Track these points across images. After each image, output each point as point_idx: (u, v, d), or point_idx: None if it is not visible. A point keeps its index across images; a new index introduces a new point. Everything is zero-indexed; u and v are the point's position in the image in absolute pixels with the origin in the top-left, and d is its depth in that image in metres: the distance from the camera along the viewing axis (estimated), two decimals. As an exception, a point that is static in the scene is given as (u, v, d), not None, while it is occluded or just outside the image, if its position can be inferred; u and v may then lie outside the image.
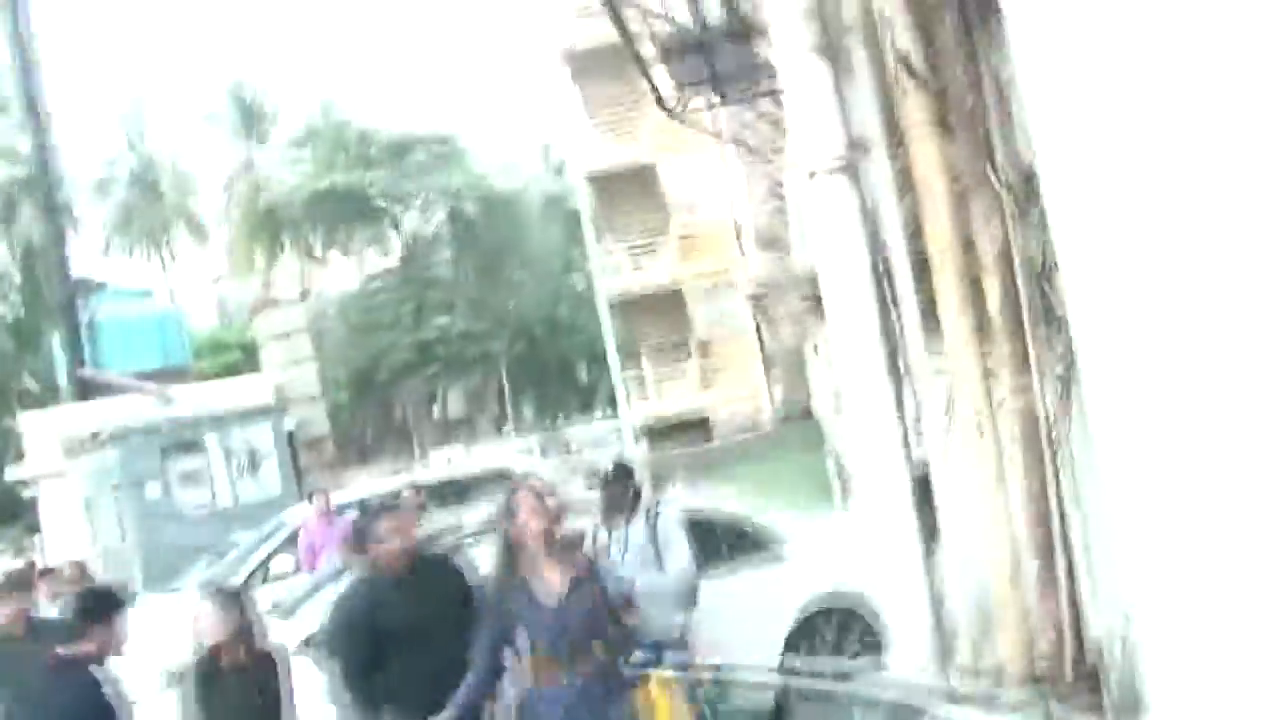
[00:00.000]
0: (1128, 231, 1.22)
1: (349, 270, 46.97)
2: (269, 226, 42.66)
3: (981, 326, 5.33)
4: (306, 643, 6.54)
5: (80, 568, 8.62)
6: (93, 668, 4.85)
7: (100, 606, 5.07)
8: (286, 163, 45.93)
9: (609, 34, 22.25)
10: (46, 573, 7.57)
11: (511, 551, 3.94)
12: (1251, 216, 1.25)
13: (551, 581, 3.96)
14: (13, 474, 25.14)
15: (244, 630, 5.14)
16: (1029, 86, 2.15)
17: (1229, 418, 1.10)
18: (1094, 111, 1.24)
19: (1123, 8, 1.45)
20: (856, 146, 5.66)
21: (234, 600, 5.34)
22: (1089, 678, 4.87)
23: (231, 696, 5.07)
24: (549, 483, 5.99)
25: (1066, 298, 1.16)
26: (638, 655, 4.39)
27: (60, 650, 4.93)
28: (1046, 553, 4.94)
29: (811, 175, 5.75)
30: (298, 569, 10.86)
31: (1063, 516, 4.93)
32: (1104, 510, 4.79)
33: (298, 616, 7.29)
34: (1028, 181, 5.01)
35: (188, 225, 49.63)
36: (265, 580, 11.19)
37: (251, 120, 46.32)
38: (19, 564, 25.70)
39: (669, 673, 4.25)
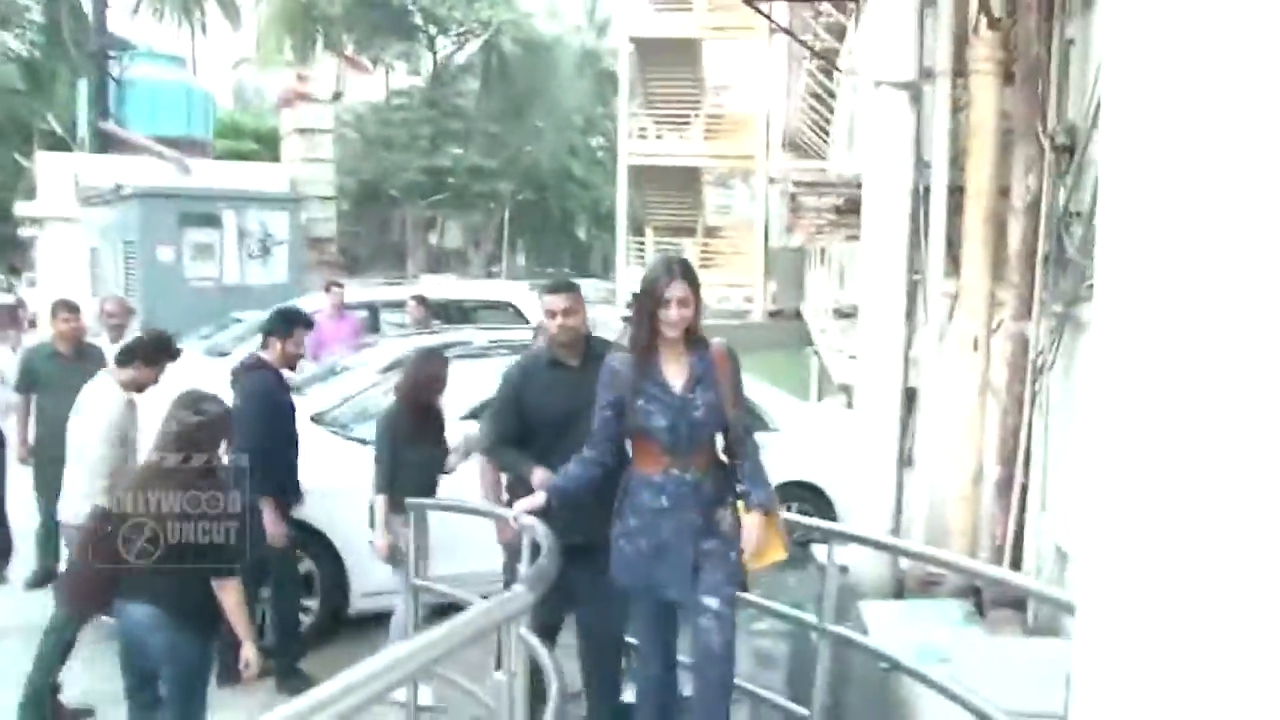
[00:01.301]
0: (1172, 196, 1.47)
1: (376, 82, 46.62)
2: (305, 22, 42.15)
3: (996, 260, 5.86)
4: (314, 419, 7.15)
5: (123, 304, 9.11)
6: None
7: (166, 350, 5.79)
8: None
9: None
10: (61, 304, 8.09)
11: (654, 332, 3.85)
12: None
13: (678, 371, 3.92)
14: (21, 210, 25.39)
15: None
16: (1107, 42, 2.46)
17: (1224, 390, 1.28)
18: (1162, 74, 1.45)
19: None
20: (925, 72, 6.06)
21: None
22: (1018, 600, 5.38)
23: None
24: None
25: (1097, 247, 1.39)
26: None
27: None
28: (1009, 462, 5.53)
29: (877, 85, 6.10)
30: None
31: (1029, 434, 5.53)
32: (1068, 442, 5.41)
33: (307, 395, 7.82)
34: (1069, 137, 5.49)
35: (221, 2, 49.03)
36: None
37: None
38: (8, 297, 26.35)
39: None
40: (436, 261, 45.00)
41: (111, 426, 5.45)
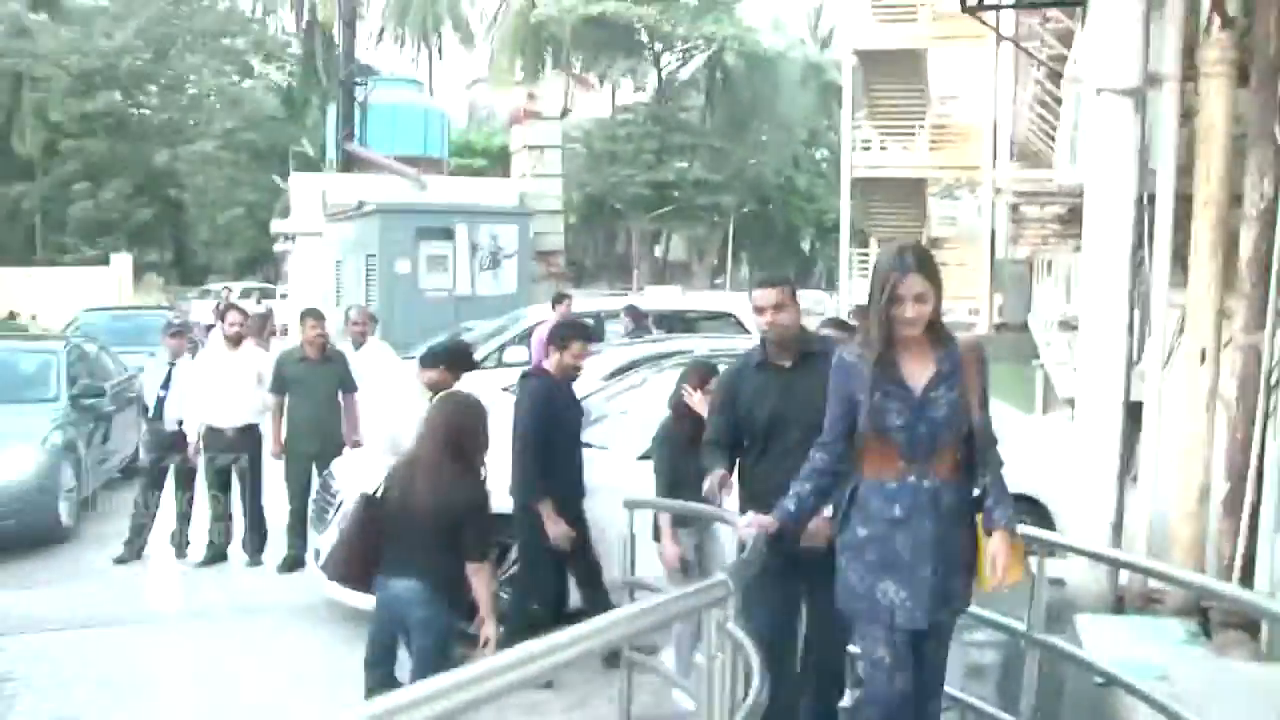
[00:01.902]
0: None
1: (603, 99, 47.76)
2: (535, 42, 43.58)
3: (1227, 271, 5.63)
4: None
5: (365, 313, 9.72)
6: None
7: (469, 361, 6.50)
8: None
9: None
10: (309, 313, 8.77)
11: (890, 326, 3.45)
12: None
13: (919, 368, 3.49)
14: (276, 227, 27.20)
15: None
16: None
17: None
18: None
19: None
20: (1150, 76, 5.87)
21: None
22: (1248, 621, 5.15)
23: None
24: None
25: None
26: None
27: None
28: (1239, 479, 5.32)
29: (1099, 92, 5.96)
30: (529, 360, 11.68)
31: (1262, 450, 5.29)
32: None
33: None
34: (1310, 142, 5.24)
35: (456, 26, 51.27)
36: (499, 365, 12.18)
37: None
38: (260, 307, 28.21)
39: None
40: (661, 273, 45.72)
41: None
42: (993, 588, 3.62)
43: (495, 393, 9.81)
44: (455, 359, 6.26)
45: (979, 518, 3.57)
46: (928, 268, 3.47)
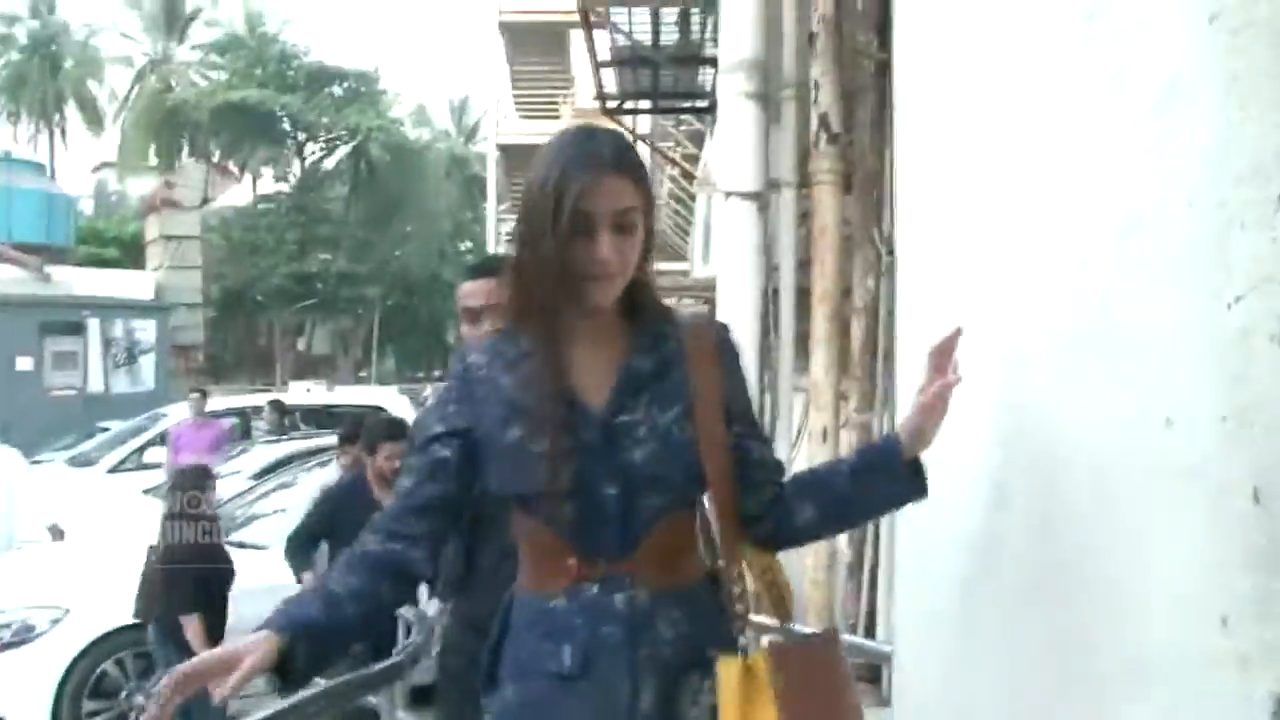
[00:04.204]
0: (958, 288, 1.95)
1: (243, 188, 46.42)
2: (171, 126, 41.95)
3: (842, 358, 6.28)
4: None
5: None
6: None
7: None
8: (203, 66, 45.24)
9: (548, 11, 22.96)
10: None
11: (567, 287, 1.90)
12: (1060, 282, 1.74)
13: (602, 371, 1.98)
14: None
15: None
16: (900, 159, 2.85)
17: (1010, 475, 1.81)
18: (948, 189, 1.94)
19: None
20: (771, 183, 6.52)
21: None
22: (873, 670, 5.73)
23: None
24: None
25: (897, 343, 1.73)
26: None
27: None
28: (860, 544, 5.90)
29: (727, 196, 6.54)
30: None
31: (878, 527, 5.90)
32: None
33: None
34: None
35: (80, 106, 48.34)
36: (139, 467, 11.63)
37: (175, 15, 45.50)
38: None
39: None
40: (304, 367, 44.52)
41: None
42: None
43: (136, 498, 9.38)
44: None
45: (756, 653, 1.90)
46: (633, 167, 1.87)
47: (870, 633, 5.88)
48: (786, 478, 2.03)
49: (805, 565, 6.22)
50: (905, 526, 2.62)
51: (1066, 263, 1.71)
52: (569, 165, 1.82)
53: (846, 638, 4.94)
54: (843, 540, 6.00)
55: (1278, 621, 1.23)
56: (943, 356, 1.91)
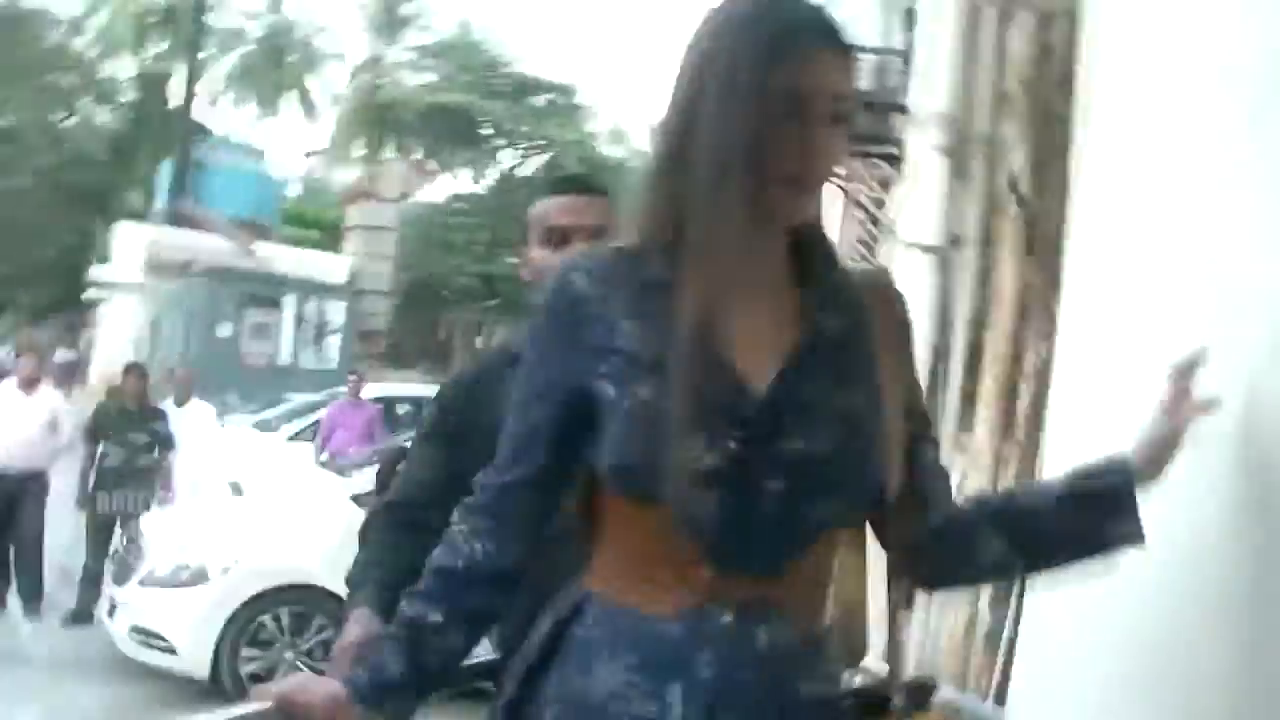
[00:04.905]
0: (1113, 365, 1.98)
1: (440, 186, 47.96)
2: (377, 123, 43.61)
3: (1006, 420, 6.26)
4: (353, 499, 7.64)
5: (190, 373, 9.72)
6: None
7: None
8: (413, 68, 46.94)
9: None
10: (132, 366, 8.83)
11: (768, 189, 1.58)
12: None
13: (767, 330, 1.59)
14: (94, 274, 26.35)
15: None
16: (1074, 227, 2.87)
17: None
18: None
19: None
20: (952, 239, 6.55)
21: None
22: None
23: None
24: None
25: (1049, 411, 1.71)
26: None
27: None
28: (1001, 614, 5.86)
29: (907, 246, 6.60)
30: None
31: (1022, 589, 5.84)
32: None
33: (352, 477, 8.31)
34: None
35: (300, 98, 50.81)
36: (314, 439, 12.19)
37: (393, 17, 47.36)
38: (69, 354, 27.15)
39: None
40: (478, 363, 45.50)
41: None
42: None
43: (309, 467, 9.90)
44: None
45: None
46: (851, 44, 1.47)
47: (1001, 702, 5.82)
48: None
49: (945, 629, 6.19)
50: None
51: (1218, 350, 1.77)
52: (779, 32, 1.36)
53: (957, 697, 4.91)
54: (984, 605, 5.95)
55: None
56: (1185, 377, 1.56)
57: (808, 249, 1.51)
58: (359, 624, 2.03)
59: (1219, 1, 1.86)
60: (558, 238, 2.26)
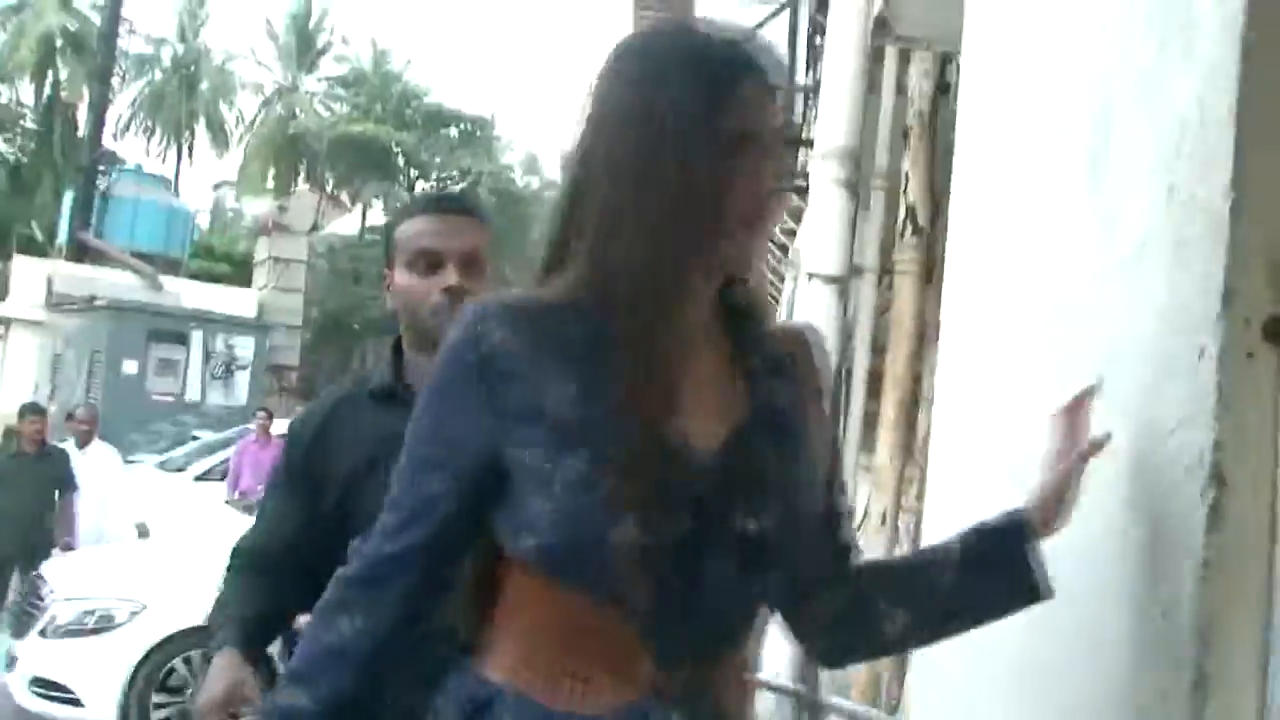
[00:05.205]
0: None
1: (353, 218, 47.62)
2: (290, 153, 43.28)
3: (908, 443, 6.42)
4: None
5: (93, 411, 9.52)
6: None
7: None
8: (327, 98, 46.67)
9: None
10: (29, 407, 8.63)
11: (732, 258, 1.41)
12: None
13: (708, 397, 1.37)
14: (-9, 310, 25.67)
15: None
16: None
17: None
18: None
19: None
20: (854, 269, 6.70)
21: None
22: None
23: None
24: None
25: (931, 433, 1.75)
26: None
27: None
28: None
29: (810, 278, 6.75)
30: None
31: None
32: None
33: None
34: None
35: (209, 126, 50.21)
36: (224, 478, 12.03)
37: (308, 47, 47.06)
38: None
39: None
40: (393, 397, 45.09)
41: None
42: None
43: (218, 507, 9.78)
44: None
45: None
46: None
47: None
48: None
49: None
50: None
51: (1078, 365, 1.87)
52: (722, 72, 1.27)
53: (856, 709, 5.02)
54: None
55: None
56: (1074, 416, 1.47)
57: (735, 300, 1.38)
58: (227, 671, 1.92)
59: (1060, 61, 2.01)
60: (427, 262, 2.09)
